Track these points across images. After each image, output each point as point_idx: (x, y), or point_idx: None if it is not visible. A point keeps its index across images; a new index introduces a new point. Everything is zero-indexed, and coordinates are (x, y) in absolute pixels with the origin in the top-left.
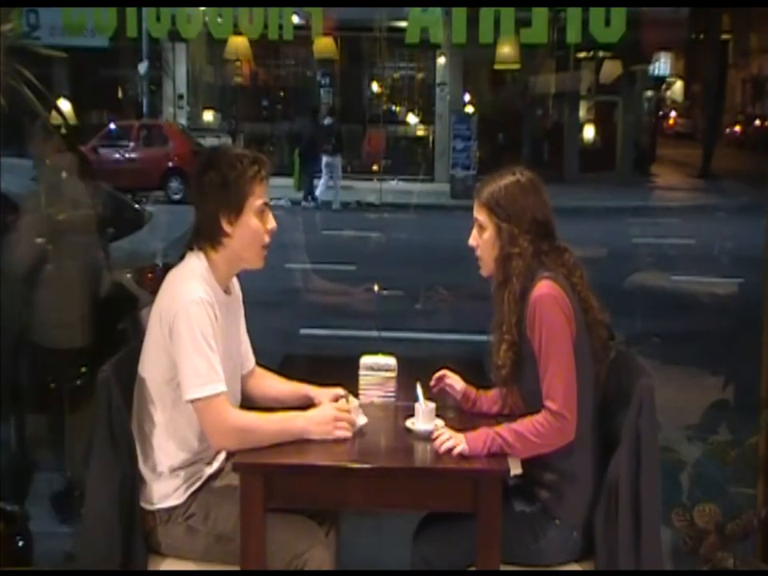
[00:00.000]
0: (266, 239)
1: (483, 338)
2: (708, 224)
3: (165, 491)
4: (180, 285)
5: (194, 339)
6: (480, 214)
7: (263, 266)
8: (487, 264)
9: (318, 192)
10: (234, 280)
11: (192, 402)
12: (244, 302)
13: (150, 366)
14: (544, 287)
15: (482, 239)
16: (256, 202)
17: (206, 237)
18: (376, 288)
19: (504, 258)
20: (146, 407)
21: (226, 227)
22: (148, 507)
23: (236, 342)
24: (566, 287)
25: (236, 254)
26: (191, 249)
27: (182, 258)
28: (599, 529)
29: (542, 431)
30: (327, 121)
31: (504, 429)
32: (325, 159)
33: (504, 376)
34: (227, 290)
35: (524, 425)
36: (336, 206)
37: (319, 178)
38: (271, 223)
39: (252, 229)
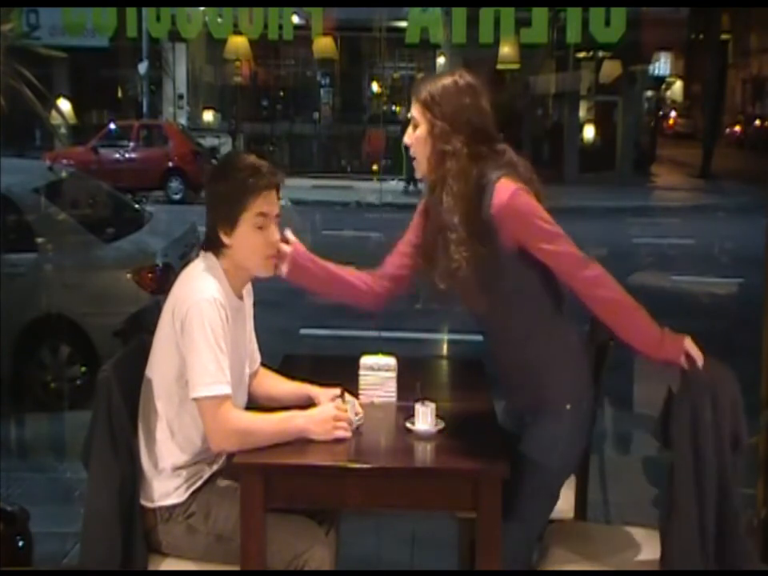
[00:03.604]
0: (268, 251)
1: (483, 338)
2: (708, 224)
3: (165, 489)
4: (194, 282)
5: (206, 337)
6: (415, 111)
7: (269, 275)
8: (421, 163)
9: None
10: (248, 285)
11: (197, 399)
12: None
13: (160, 362)
14: (503, 187)
15: (415, 136)
16: (251, 215)
17: (211, 245)
18: None
19: (437, 156)
20: (153, 403)
21: (225, 239)
22: (148, 505)
23: (244, 345)
24: (520, 180)
25: (239, 263)
26: (205, 249)
27: (182, 256)
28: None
29: (606, 283)
30: None
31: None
32: None
33: (460, 276)
34: (240, 296)
35: (605, 308)
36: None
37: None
38: (273, 236)
39: (249, 242)
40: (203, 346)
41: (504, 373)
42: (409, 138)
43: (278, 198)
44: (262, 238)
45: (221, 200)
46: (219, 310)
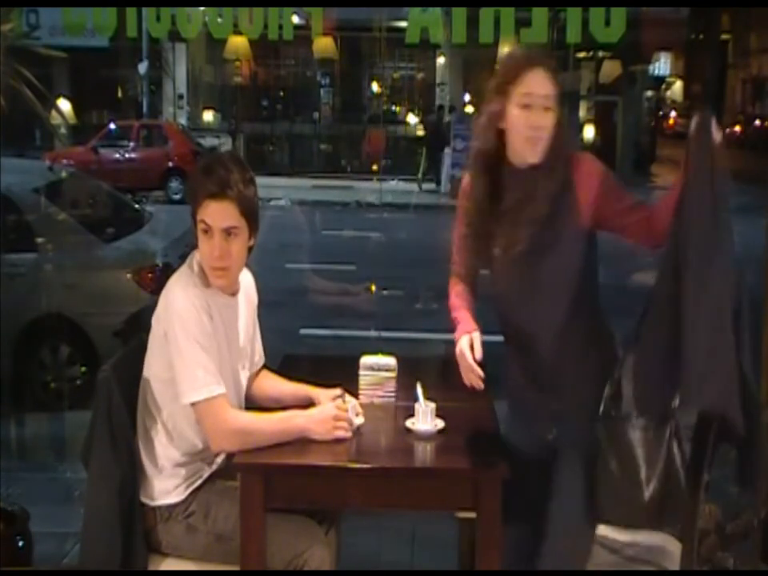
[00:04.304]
0: (212, 263)
1: (483, 338)
2: None
3: (165, 488)
4: (174, 289)
5: (188, 345)
6: (552, 92)
7: (220, 286)
8: (545, 149)
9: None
10: (248, 281)
11: (192, 404)
12: None
13: (152, 363)
14: (584, 155)
15: (552, 120)
16: (198, 219)
17: (196, 243)
18: (373, 288)
19: (558, 142)
20: (149, 403)
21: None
22: (149, 503)
23: (237, 341)
24: None
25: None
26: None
27: (182, 256)
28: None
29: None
30: (446, 120)
31: None
32: (446, 150)
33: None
34: (232, 293)
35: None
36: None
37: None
38: (215, 249)
39: (200, 247)
40: (187, 352)
41: (546, 368)
42: (548, 119)
43: (242, 213)
44: (207, 246)
45: (188, 198)
46: (200, 313)
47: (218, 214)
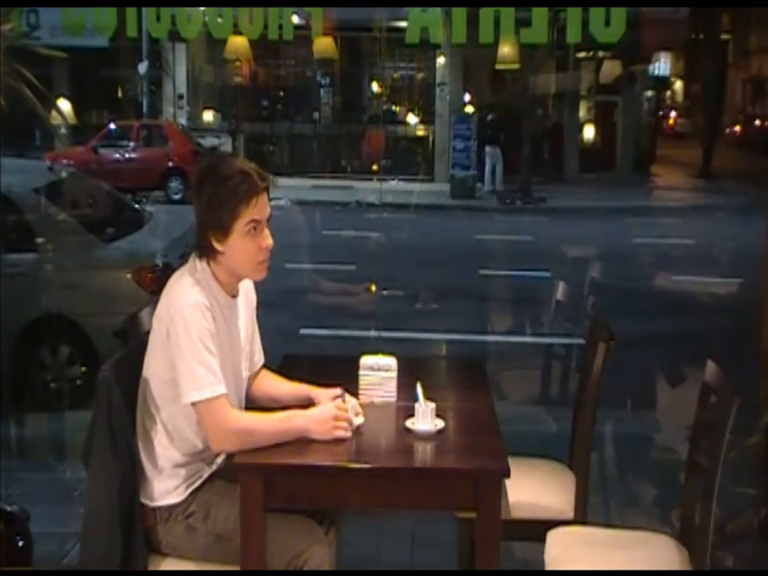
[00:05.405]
0: (260, 257)
1: (483, 338)
2: (708, 224)
3: (165, 488)
4: (177, 288)
5: (191, 344)
6: None
7: (261, 278)
8: None
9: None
10: (247, 282)
11: (192, 404)
12: None
13: (152, 363)
14: None
15: None
16: (243, 223)
17: (202, 249)
18: (373, 288)
19: None
20: (149, 403)
21: (216, 245)
22: (149, 504)
23: (238, 343)
24: None
25: (231, 268)
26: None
27: (182, 256)
28: None
29: None
30: (489, 117)
31: None
32: (487, 149)
33: None
34: (233, 294)
35: None
36: (498, 187)
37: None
38: (266, 241)
39: (242, 250)
40: (189, 351)
41: None
42: None
43: (269, 200)
44: (254, 244)
45: (211, 208)
46: (203, 312)
47: (265, 204)
